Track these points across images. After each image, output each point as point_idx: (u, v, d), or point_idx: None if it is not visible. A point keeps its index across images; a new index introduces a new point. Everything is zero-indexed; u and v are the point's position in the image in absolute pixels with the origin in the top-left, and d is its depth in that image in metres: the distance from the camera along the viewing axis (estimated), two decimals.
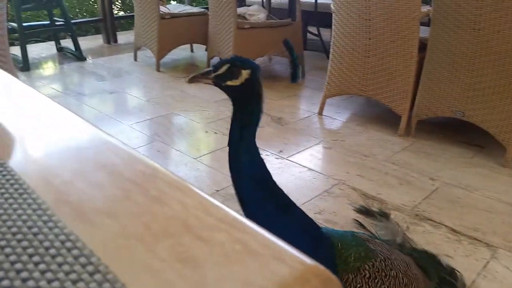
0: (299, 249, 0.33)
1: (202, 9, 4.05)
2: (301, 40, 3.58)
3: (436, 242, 1.63)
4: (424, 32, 2.36)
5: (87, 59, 4.36)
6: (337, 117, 2.80)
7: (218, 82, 0.80)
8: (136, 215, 0.33)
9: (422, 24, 2.37)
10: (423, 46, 2.34)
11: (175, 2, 5.30)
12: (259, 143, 2.32)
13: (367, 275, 0.87)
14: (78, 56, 4.34)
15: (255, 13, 3.46)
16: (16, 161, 0.42)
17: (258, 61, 4.10)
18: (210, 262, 0.28)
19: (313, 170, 2.13)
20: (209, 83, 0.80)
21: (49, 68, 4.26)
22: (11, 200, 0.35)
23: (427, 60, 2.33)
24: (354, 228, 1.31)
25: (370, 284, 0.86)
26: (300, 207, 1.75)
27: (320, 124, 2.74)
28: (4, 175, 0.39)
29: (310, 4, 4.10)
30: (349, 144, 2.40)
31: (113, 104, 3.19)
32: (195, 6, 4.48)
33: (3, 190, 0.37)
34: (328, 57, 3.98)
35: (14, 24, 3.87)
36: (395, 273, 0.90)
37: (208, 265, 0.28)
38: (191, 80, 0.80)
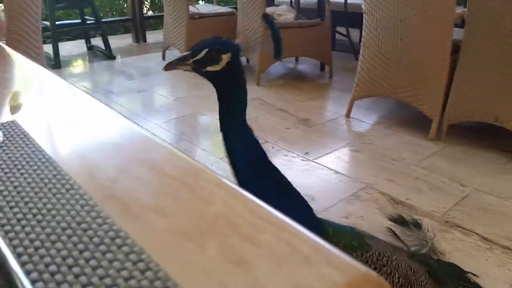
0: None
1: (231, 9, 4.07)
2: (329, 41, 3.55)
3: (466, 249, 1.59)
4: (457, 34, 2.30)
5: (117, 57, 4.44)
6: (365, 119, 2.76)
7: (197, 68, 0.75)
8: (183, 212, 0.33)
9: (456, 25, 2.31)
10: (456, 48, 2.28)
11: (204, 2, 5.33)
12: (285, 144, 2.30)
13: None
14: (108, 54, 4.42)
15: (284, 13, 3.45)
16: (61, 157, 0.42)
17: (286, 61, 4.10)
18: (261, 264, 0.28)
19: (340, 173, 2.10)
20: (187, 70, 0.75)
21: (79, 66, 4.36)
22: (59, 195, 0.36)
23: (461, 62, 2.27)
24: (387, 237, 1.28)
25: None
26: (325, 209, 1.73)
27: (348, 126, 2.70)
28: (50, 170, 0.40)
29: (340, 4, 4.05)
30: (377, 147, 2.36)
31: (141, 103, 3.24)
32: (223, 6, 4.49)
33: (50, 185, 0.37)
34: (356, 58, 3.94)
35: (47, 23, 3.97)
36: (389, 271, 0.87)
37: (259, 267, 0.28)
38: (167, 67, 0.74)
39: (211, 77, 0.77)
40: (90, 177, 0.38)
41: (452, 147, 2.35)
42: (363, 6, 2.53)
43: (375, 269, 0.85)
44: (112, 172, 0.39)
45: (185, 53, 0.74)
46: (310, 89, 3.35)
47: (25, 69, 0.80)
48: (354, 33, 4.28)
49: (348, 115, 2.79)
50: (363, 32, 2.58)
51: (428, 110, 2.42)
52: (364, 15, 2.53)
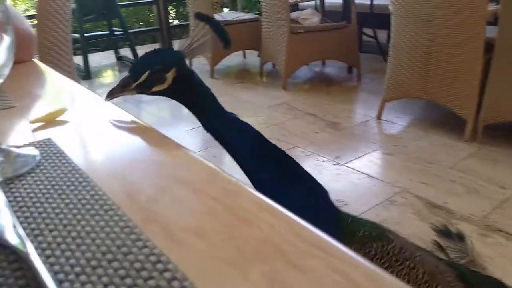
0: (306, 216, 0.33)
1: (255, 16, 4.07)
2: (356, 43, 3.50)
3: (509, 255, 1.52)
4: (491, 32, 2.22)
5: None
6: (397, 121, 2.70)
7: (143, 90, 0.68)
8: (225, 236, 0.31)
9: (489, 23, 2.23)
10: (489, 47, 2.20)
11: (228, 9, 5.36)
12: (314, 148, 2.27)
13: (373, 253, 0.79)
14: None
15: (309, 17, 3.42)
16: (98, 176, 0.42)
17: (312, 65, 4.06)
18: None
19: (373, 177, 2.05)
20: (132, 94, 0.67)
21: (108, 76, 4.46)
22: (97, 217, 0.35)
23: (495, 61, 2.18)
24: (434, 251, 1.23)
25: (375, 263, 0.78)
26: (359, 215, 1.69)
27: (379, 129, 2.65)
28: (88, 191, 0.39)
29: (366, 6, 3.99)
30: (411, 150, 2.30)
31: (169, 111, 3.27)
32: (247, 13, 4.51)
33: (88, 206, 0.37)
34: (385, 59, 3.87)
35: (77, 35, 4.08)
36: (412, 265, 0.83)
37: None
38: (110, 96, 0.65)
39: (161, 95, 0.70)
40: (129, 197, 0.38)
41: (488, 148, 2.27)
42: (390, 7, 2.48)
43: (396, 261, 0.81)
44: (152, 192, 0.38)
45: (125, 77, 0.67)
46: (338, 92, 3.31)
47: (57, 85, 0.81)
48: (382, 34, 4.21)
49: (379, 117, 2.73)
50: (391, 33, 2.53)
51: (462, 111, 2.34)
52: (391, 16, 2.48)
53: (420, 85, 2.47)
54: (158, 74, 0.66)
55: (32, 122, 0.57)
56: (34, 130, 0.55)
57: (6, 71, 0.42)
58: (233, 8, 5.36)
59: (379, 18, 3.97)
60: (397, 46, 2.51)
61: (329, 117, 2.81)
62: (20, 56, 0.88)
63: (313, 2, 4.55)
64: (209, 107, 0.76)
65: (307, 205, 0.78)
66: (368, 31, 4.24)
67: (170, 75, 0.67)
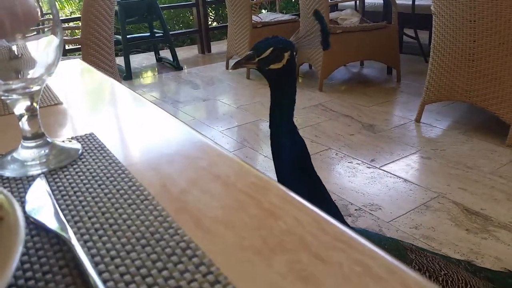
0: None
1: (293, 16, 4.08)
2: (397, 43, 3.43)
3: None
4: None
5: (183, 68, 4.61)
6: (436, 124, 2.63)
7: (262, 66, 0.79)
8: (252, 227, 0.33)
9: None
10: None
11: (266, 10, 5.39)
12: (349, 151, 2.26)
13: None
14: (175, 65, 4.61)
15: (348, 17, 3.39)
16: (136, 169, 0.44)
17: (350, 65, 4.01)
18: (330, 282, 0.27)
19: (409, 181, 2.01)
20: (253, 68, 0.80)
21: (149, 77, 4.58)
22: (133, 206, 0.37)
23: None
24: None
25: None
26: (393, 219, 1.66)
27: (418, 132, 2.59)
28: (126, 182, 0.41)
29: (407, 6, 3.91)
30: (450, 155, 2.24)
31: (205, 111, 3.33)
32: (286, 14, 4.51)
33: (126, 196, 0.39)
34: (426, 60, 3.78)
35: (119, 37, 4.22)
36: None
37: (328, 285, 0.27)
38: (235, 66, 0.80)
39: (273, 75, 0.81)
40: (163, 188, 0.40)
41: None
42: (432, 8, 2.42)
43: None
44: (184, 185, 0.40)
45: (250, 52, 0.78)
46: (376, 94, 3.26)
47: (100, 84, 0.85)
48: (423, 35, 4.11)
49: (418, 120, 2.67)
50: (432, 34, 2.47)
51: (505, 115, 2.26)
52: (433, 17, 2.42)
53: (462, 88, 2.39)
54: (278, 52, 0.78)
55: None
56: (79, 125, 0.59)
57: (54, 69, 0.45)
58: (271, 9, 5.38)
59: (420, 19, 3.88)
60: (439, 47, 2.45)
61: (366, 119, 2.78)
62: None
63: (352, 2, 4.51)
64: (287, 105, 0.84)
65: None
66: (409, 31, 4.15)
67: (286, 56, 0.78)
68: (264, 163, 2.31)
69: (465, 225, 1.67)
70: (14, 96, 0.44)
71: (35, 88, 0.45)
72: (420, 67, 3.75)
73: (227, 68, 4.37)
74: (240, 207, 0.36)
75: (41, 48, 0.44)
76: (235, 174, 0.41)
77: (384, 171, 2.12)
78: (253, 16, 3.81)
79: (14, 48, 0.42)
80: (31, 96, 0.45)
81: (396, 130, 2.59)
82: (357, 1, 4.48)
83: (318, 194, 0.89)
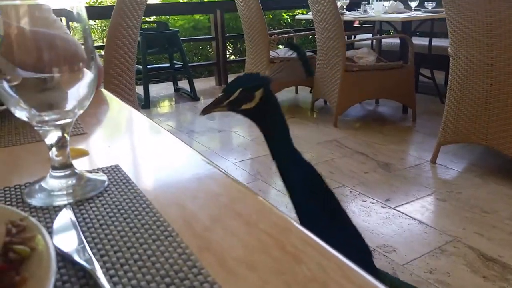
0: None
1: (310, 53, 4.15)
2: (413, 83, 3.46)
3: None
4: None
5: (200, 99, 4.69)
6: (452, 166, 2.60)
7: (233, 108, 0.76)
8: (276, 271, 0.33)
9: None
10: None
11: (283, 46, 5.50)
12: (363, 189, 2.24)
13: None
14: (193, 96, 4.69)
15: (364, 55, 3.44)
16: (160, 203, 0.45)
17: (365, 103, 4.03)
18: None
19: (424, 224, 1.98)
20: (223, 111, 0.77)
21: (166, 106, 4.66)
22: (158, 242, 0.38)
23: None
24: None
25: None
26: (408, 262, 1.62)
27: (433, 173, 2.56)
28: (150, 217, 0.42)
29: (423, 46, 3.96)
30: (466, 198, 2.20)
31: (220, 142, 3.36)
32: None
33: (150, 231, 0.39)
34: (442, 101, 3.79)
35: (139, 66, 4.33)
36: None
37: None
38: (205, 112, 0.76)
39: (248, 115, 0.78)
40: (186, 225, 0.40)
41: None
42: (449, 50, 2.45)
43: None
44: (207, 222, 0.40)
45: (219, 95, 0.77)
46: (391, 132, 3.25)
47: (122, 113, 0.87)
48: (439, 75, 4.14)
49: (433, 161, 2.65)
50: (449, 76, 2.48)
51: None
52: (450, 59, 2.44)
53: (478, 130, 2.38)
54: (248, 92, 0.75)
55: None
56: (103, 156, 0.60)
57: (87, 103, 0.47)
58: (288, 45, 5.48)
59: (437, 59, 3.92)
60: (455, 88, 2.46)
61: (381, 157, 2.77)
62: None
63: (369, 42, 4.58)
64: (280, 135, 0.81)
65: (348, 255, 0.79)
66: (425, 71, 4.18)
67: (258, 94, 0.75)
68: (277, 197, 2.30)
69: (481, 271, 1.62)
70: (47, 127, 0.46)
71: (67, 120, 0.46)
72: (436, 107, 3.75)
73: None
74: (263, 248, 0.36)
75: (75, 82, 0.46)
76: (256, 213, 0.42)
77: (399, 211, 2.09)
78: (270, 51, 3.89)
79: (49, 80, 0.44)
80: (63, 128, 0.47)
81: (412, 170, 2.57)
82: (374, 40, 4.55)
83: (338, 217, 0.85)
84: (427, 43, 4.00)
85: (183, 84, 5.05)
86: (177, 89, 5.13)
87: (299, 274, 0.32)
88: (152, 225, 0.40)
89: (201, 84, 5.35)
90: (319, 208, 0.82)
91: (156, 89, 5.21)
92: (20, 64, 0.43)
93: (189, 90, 4.74)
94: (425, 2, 3.94)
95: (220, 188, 0.48)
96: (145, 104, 4.41)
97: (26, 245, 0.32)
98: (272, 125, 0.80)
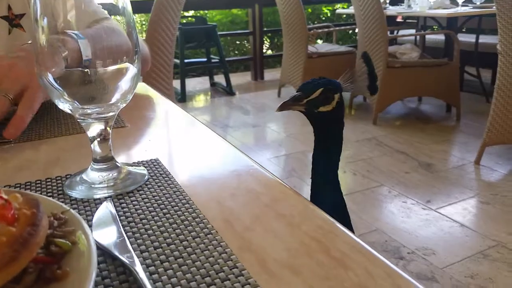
0: None
1: (350, 48, 4.07)
2: (457, 81, 3.32)
3: None
4: None
5: (236, 93, 4.70)
6: (497, 168, 2.48)
7: (310, 108, 0.73)
8: (321, 276, 0.31)
9: None
10: None
11: (322, 41, 5.42)
12: (403, 189, 2.17)
13: None
14: (228, 91, 4.71)
15: (407, 51, 3.33)
16: (199, 199, 0.44)
17: (407, 100, 3.91)
18: None
19: (466, 227, 1.90)
20: (300, 110, 0.73)
21: (201, 101, 4.70)
22: (198, 239, 0.37)
23: None
24: None
25: None
26: (447, 266, 1.56)
27: (477, 174, 2.46)
28: (190, 213, 0.41)
29: (470, 43, 3.80)
30: (511, 201, 2.10)
31: (254, 137, 3.35)
32: (342, 45, 4.51)
33: (190, 228, 0.39)
34: (488, 100, 3.63)
35: (177, 61, 4.38)
36: None
37: None
38: (281, 108, 0.74)
39: (322, 118, 0.74)
40: (226, 223, 0.39)
41: None
42: (498, 47, 2.33)
43: None
44: (248, 221, 0.39)
45: (298, 93, 0.73)
46: (433, 131, 3.14)
47: (162, 108, 0.88)
48: (485, 74, 3.96)
49: (477, 162, 2.54)
50: (497, 74, 2.37)
51: None
52: (499, 56, 2.33)
53: None
54: (328, 93, 0.73)
55: None
56: (143, 149, 0.60)
57: (129, 97, 0.47)
58: (327, 40, 5.41)
59: (483, 57, 3.75)
60: (503, 87, 2.34)
61: (422, 157, 2.67)
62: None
63: (412, 38, 4.44)
64: (333, 153, 0.77)
65: None
66: (471, 69, 4.01)
67: (336, 98, 0.73)
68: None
69: None
70: (89, 120, 0.46)
71: (110, 114, 0.46)
72: (481, 106, 3.60)
73: (279, 95, 4.40)
74: (307, 251, 0.34)
75: (119, 76, 0.45)
76: (299, 215, 0.40)
77: (440, 213, 2.01)
78: (309, 46, 3.84)
79: (92, 73, 0.44)
80: (106, 121, 0.47)
81: (454, 171, 2.47)
82: (417, 36, 4.41)
83: None
84: (473, 40, 3.83)
85: (219, 79, 5.08)
86: (213, 84, 5.17)
87: (346, 281, 0.31)
88: (192, 222, 0.39)
89: (237, 78, 5.37)
90: None
91: (192, 83, 5.26)
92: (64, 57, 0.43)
93: (225, 85, 4.76)
94: None
95: (260, 186, 0.46)
96: (182, 98, 4.47)
97: (67, 238, 0.31)
98: (333, 138, 0.77)
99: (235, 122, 3.71)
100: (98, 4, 0.48)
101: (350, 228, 0.79)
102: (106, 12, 0.46)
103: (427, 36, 4.36)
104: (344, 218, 0.79)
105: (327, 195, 0.78)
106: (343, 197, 0.80)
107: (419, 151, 2.77)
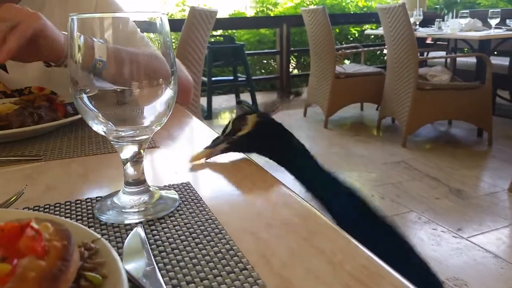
0: None
1: (378, 69, 4.02)
2: (490, 105, 3.23)
3: None
4: None
5: None
6: None
7: (231, 141, 0.66)
8: None
9: None
10: None
11: (350, 61, 5.40)
12: (433, 216, 2.08)
13: None
14: (254, 109, 4.70)
15: (438, 74, 3.27)
16: (231, 227, 0.42)
17: (438, 124, 3.81)
18: None
19: (500, 258, 1.81)
20: (222, 153, 0.66)
21: (227, 118, 4.72)
22: (232, 275, 0.34)
23: None
24: None
25: None
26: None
27: (510, 203, 2.35)
28: (223, 244, 0.39)
29: (502, 66, 3.70)
30: None
31: None
32: (370, 66, 4.47)
33: (224, 261, 0.36)
34: None
35: (204, 78, 4.43)
36: None
37: None
38: (194, 159, 0.65)
39: (249, 144, 0.68)
40: (262, 258, 0.37)
41: None
42: None
43: None
44: (284, 257, 0.37)
45: (214, 139, 0.68)
46: (464, 156, 3.05)
47: (192, 127, 0.87)
48: None
49: (511, 190, 2.44)
50: None
51: None
52: None
53: None
54: (239, 120, 0.68)
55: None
56: (174, 172, 0.58)
57: (164, 120, 0.45)
58: (355, 60, 5.38)
59: None
60: None
61: (453, 182, 2.59)
62: (180, 99, 0.99)
63: (443, 60, 4.37)
64: (306, 160, 0.70)
65: None
66: (503, 93, 3.90)
67: (251, 118, 0.68)
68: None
69: None
70: (123, 143, 0.45)
71: (144, 136, 0.45)
72: None
73: (304, 115, 4.38)
74: None
75: (154, 98, 0.44)
76: (341, 252, 0.37)
77: (472, 242, 1.93)
78: (336, 66, 3.81)
79: (127, 94, 0.43)
80: (140, 143, 0.45)
81: (487, 198, 2.38)
82: (448, 59, 4.33)
83: (399, 253, 0.71)
84: (506, 63, 3.73)
85: (245, 97, 5.10)
86: (238, 102, 5.12)
87: None
88: (226, 254, 0.37)
89: (263, 97, 5.38)
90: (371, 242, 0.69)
91: (218, 101, 5.30)
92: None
93: (251, 103, 4.77)
94: (507, 20, 3.69)
95: (297, 217, 0.44)
96: (208, 115, 4.49)
97: (98, 271, 0.30)
98: (287, 151, 0.70)
99: None
100: (134, 21, 0.47)
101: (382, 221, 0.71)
102: (149, 42, 0.44)
103: (458, 59, 4.28)
104: (368, 209, 0.71)
105: (331, 199, 0.71)
106: (353, 189, 0.72)
107: (450, 176, 2.68)
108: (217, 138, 0.69)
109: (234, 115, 0.72)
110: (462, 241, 1.94)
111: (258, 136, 0.68)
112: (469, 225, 2.09)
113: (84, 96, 0.43)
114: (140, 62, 0.42)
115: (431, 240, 1.95)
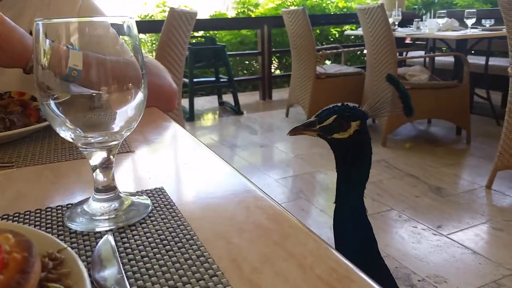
0: None
1: (358, 69, 4.06)
2: (467, 103, 3.29)
3: None
4: None
5: (244, 113, 4.70)
6: (510, 193, 2.43)
7: (324, 134, 0.72)
8: None
9: None
10: None
11: (330, 62, 5.44)
12: (413, 214, 2.13)
13: None
14: (236, 110, 4.71)
15: (416, 73, 3.32)
16: (203, 233, 0.41)
17: (417, 122, 3.87)
18: None
19: (479, 254, 1.84)
20: (313, 135, 0.73)
21: (209, 120, 4.70)
22: (202, 283, 0.34)
23: None
24: None
25: None
26: None
27: (488, 199, 2.40)
28: (194, 251, 0.39)
29: (479, 65, 3.78)
30: None
31: (262, 157, 3.33)
32: (350, 66, 4.52)
33: (194, 268, 0.36)
34: (498, 123, 3.59)
35: (186, 80, 4.41)
36: None
37: None
38: (293, 132, 0.73)
39: (336, 145, 0.73)
40: (233, 263, 0.36)
41: None
42: (509, 69, 2.31)
43: None
44: (256, 261, 0.36)
45: (312, 119, 0.72)
46: (443, 154, 3.10)
47: (169, 132, 0.86)
48: (495, 96, 3.93)
49: (489, 187, 2.49)
50: (508, 97, 2.34)
51: None
52: (510, 79, 2.30)
53: None
54: (344, 120, 0.71)
55: None
56: (148, 177, 0.58)
57: (134, 125, 0.45)
58: (335, 60, 5.42)
59: (493, 79, 3.72)
60: None
61: (433, 180, 2.63)
62: (163, 107, 0.99)
63: (421, 59, 4.43)
64: (357, 179, 0.75)
65: None
66: (480, 91, 3.98)
67: (354, 125, 0.71)
68: (319, 217, 2.23)
69: None
70: (92, 149, 0.44)
71: (114, 142, 0.44)
72: (492, 129, 3.56)
73: (287, 115, 4.39)
74: None
75: (124, 102, 0.43)
76: (312, 255, 0.37)
77: (452, 239, 1.96)
78: (317, 66, 3.84)
79: (96, 99, 0.42)
80: (109, 149, 0.45)
81: (465, 196, 2.42)
82: (427, 58, 4.40)
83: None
84: (482, 62, 3.81)
85: (228, 98, 5.09)
86: (221, 103, 5.18)
87: None
88: (196, 261, 0.37)
89: (245, 98, 5.38)
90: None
91: (201, 102, 5.28)
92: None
93: (233, 104, 4.77)
94: (483, 20, 3.77)
95: (270, 221, 0.44)
96: (190, 117, 4.47)
97: (62, 282, 0.29)
98: (355, 165, 0.74)
99: (243, 141, 3.69)
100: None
101: (377, 269, 0.76)
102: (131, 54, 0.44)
103: (436, 58, 4.35)
104: (370, 252, 0.76)
105: (349, 222, 0.75)
106: (371, 226, 0.76)
107: (429, 174, 2.73)
108: (312, 122, 0.72)
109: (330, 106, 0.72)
110: (442, 238, 1.97)
111: (348, 144, 0.72)
112: (448, 222, 2.12)
113: (51, 102, 0.42)
114: (107, 66, 0.42)
115: (411, 238, 1.97)
